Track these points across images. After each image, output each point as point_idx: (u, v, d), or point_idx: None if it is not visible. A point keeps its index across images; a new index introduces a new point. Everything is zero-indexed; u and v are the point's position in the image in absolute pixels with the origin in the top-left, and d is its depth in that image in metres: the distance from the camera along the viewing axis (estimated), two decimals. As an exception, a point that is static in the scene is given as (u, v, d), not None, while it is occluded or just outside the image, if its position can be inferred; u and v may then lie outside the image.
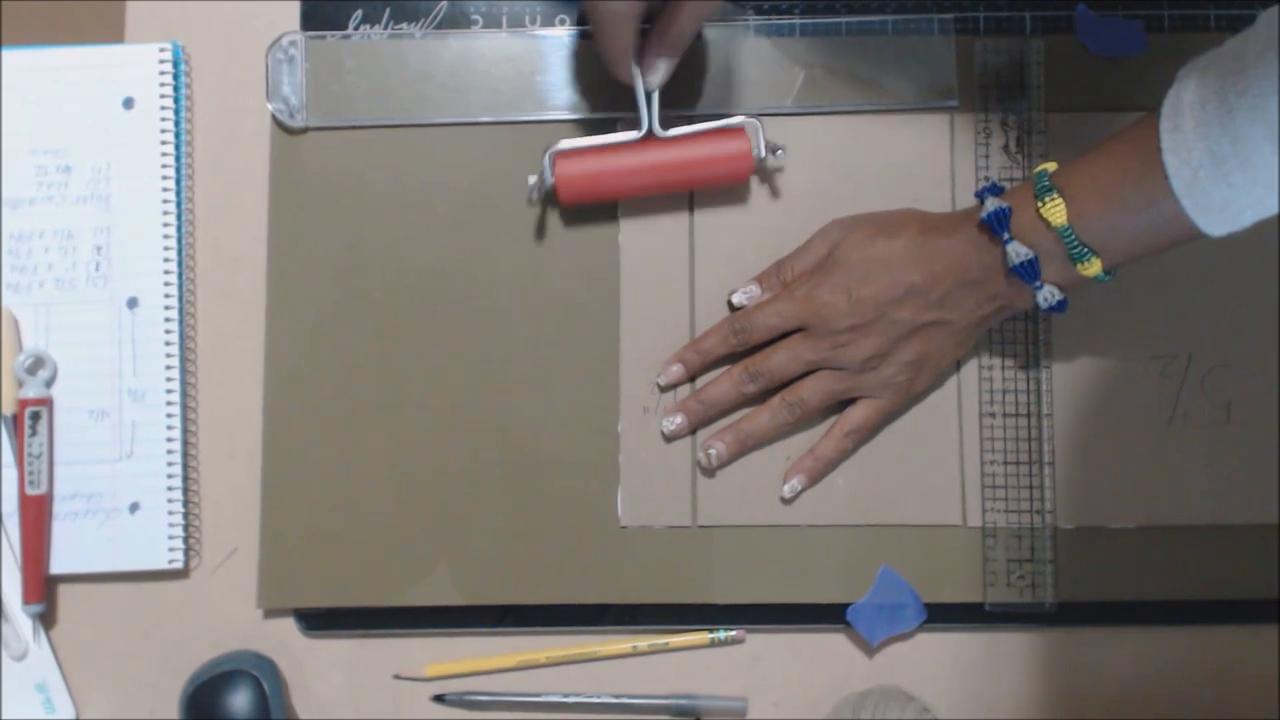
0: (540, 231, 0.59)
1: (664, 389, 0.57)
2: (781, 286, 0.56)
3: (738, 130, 0.56)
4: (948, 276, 0.52)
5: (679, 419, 0.57)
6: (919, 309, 0.53)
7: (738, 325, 0.56)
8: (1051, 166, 0.51)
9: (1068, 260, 0.49)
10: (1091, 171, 0.49)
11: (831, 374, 0.55)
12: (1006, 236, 0.50)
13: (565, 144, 0.56)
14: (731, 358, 0.57)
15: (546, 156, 0.56)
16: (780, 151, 0.57)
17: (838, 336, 0.54)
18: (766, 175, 0.59)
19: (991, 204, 0.51)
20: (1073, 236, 0.49)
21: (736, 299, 0.57)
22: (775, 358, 0.55)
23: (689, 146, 0.56)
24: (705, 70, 0.59)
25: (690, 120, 0.57)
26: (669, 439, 0.57)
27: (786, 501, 0.57)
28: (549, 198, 0.58)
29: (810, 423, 0.57)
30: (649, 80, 0.55)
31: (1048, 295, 0.51)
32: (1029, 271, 0.50)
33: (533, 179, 0.57)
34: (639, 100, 0.55)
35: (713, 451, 0.56)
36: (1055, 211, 0.48)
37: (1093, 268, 0.49)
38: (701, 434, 0.58)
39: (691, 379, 0.58)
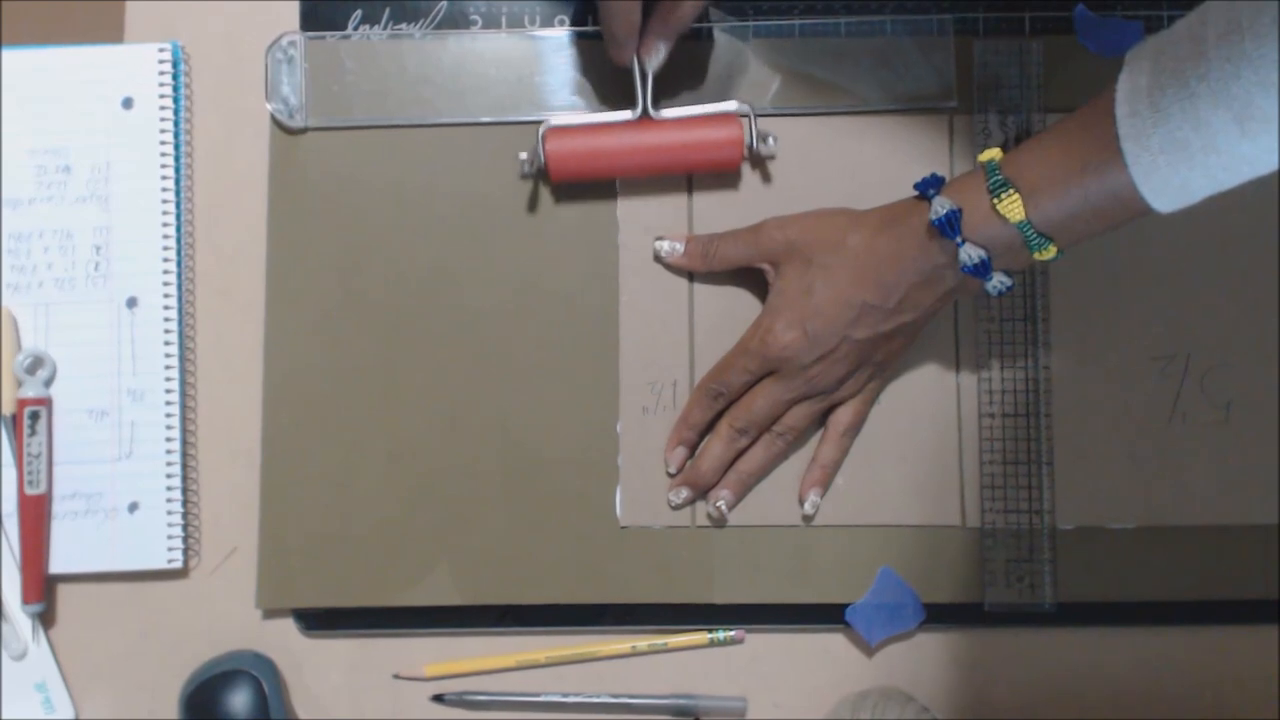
0: (539, 231, 0.59)
1: (679, 505, 0.57)
2: (701, 260, 0.57)
3: (730, 117, 0.57)
4: (900, 285, 0.52)
5: (685, 492, 0.57)
6: (877, 322, 0.53)
7: (714, 390, 0.56)
8: (996, 155, 0.50)
9: (1023, 250, 0.49)
10: (1045, 162, 0.48)
11: (811, 400, 0.55)
12: (959, 240, 0.49)
13: (558, 120, 0.57)
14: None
15: (539, 132, 0.56)
16: (771, 140, 0.57)
17: (807, 371, 0.54)
18: (758, 162, 0.59)
19: (941, 206, 0.49)
20: (1031, 230, 0.48)
21: (660, 246, 0.58)
22: (756, 407, 0.55)
23: (680, 130, 0.57)
24: (703, 71, 0.59)
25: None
26: (677, 509, 0.57)
27: (809, 518, 0.57)
28: (540, 174, 0.58)
29: (800, 439, 0.57)
30: (648, 62, 0.55)
31: (997, 284, 0.50)
32: (982, 270, 0.50)
33: (524, 154, 0.57)
34: (635, 82, 0.56)
35: (721, 504, 0.56)
36: (1013, 208, 0.48)
37: (1049, 253, 0.49)
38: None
39: (693, 452, 0.58)
